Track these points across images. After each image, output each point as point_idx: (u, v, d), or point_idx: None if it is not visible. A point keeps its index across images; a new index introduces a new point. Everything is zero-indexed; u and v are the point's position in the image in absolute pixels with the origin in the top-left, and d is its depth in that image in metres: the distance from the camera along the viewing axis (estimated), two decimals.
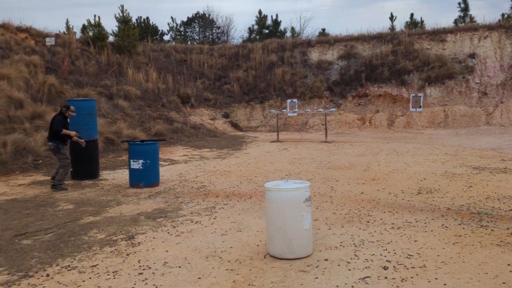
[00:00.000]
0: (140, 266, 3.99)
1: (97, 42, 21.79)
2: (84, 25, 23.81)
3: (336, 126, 20.87)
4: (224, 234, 4.91)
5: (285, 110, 17.08)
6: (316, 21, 60.82)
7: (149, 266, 3.99)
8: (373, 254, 4.19)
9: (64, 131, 7.75)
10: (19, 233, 4.98)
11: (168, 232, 5.01)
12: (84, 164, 8.66)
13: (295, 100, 22.94)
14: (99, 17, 22.45)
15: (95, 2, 45.96)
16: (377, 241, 4.60)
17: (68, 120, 8.04)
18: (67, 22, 36.39)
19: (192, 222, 5.46)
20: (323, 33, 32.65)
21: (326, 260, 4.06)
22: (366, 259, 4.08)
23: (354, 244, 4.50)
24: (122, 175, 9.19)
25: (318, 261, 4.03)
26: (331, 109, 16.88)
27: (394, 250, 4.31)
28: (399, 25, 37.94)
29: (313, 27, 72.05)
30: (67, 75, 17.35)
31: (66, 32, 22.09)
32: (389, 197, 6.68)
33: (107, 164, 10.61)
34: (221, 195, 7.12)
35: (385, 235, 4.78)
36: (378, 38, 25.78)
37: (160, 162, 8.54)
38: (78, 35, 23.23)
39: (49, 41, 17.71)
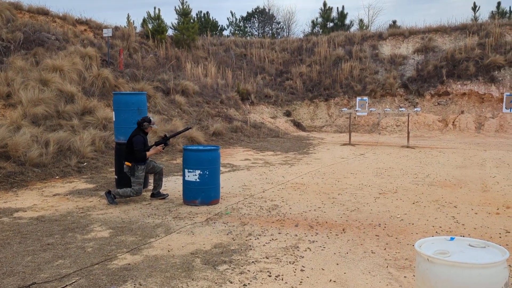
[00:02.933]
0: None
1: (156, 35, 20.83)
2: (144, 19, 23.01)
3: (413, 127, 18.35)
4: None
5: (359, 109, 14.97)
6: (385, 14, 56.99)
7: None
8: None
9: (149, 153, 6.41)
10: (23, 285, 3.46)
11: None
12: None
13: (365, 98, 20.69)
14: (159, 10, 21.51)
15: (158, 2, 45.81)
16: None
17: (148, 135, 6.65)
18: (128, 16, 36.22)
19: (270, 275, 3.68)
20: (394, 25, 29.83)
21: None
22: None
23: None
24: (175, 185, 7.65)
25: None
26: (415, 109, 14.53)
27: None
28: (482, 16, 33.99)
29: (382, 20, 67.92)
30: (124, 68, 16.31)
31: (126, 26, 21.28)
32: None
33: None
34: (301, 223, 5.31)
35: None
36: (461, 29, 22.83)
37: None
38: (138, 29, 22.45)
39: (106, 33, 16.74)
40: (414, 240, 4.55)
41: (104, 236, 4.76)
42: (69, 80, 12.98)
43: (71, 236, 4.75)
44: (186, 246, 4.42)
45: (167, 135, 6.79)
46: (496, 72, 19.84)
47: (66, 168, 8.44)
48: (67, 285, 3.45)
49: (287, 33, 39.28)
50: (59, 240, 4.61)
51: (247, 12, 39.42)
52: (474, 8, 28.47)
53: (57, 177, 8.00)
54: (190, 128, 8.74)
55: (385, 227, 5.14)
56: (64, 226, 5.10)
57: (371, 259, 4.09)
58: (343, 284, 3.52)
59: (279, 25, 41.29)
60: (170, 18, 54.79)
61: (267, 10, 40.64)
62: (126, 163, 6.31)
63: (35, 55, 13.82)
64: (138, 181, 6.30)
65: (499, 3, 28.56)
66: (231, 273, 3.72)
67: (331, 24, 31.17)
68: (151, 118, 6.49)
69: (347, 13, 31.23)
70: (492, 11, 28.43)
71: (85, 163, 8.95)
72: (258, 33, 39.61)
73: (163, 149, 6.66)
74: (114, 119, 7.46)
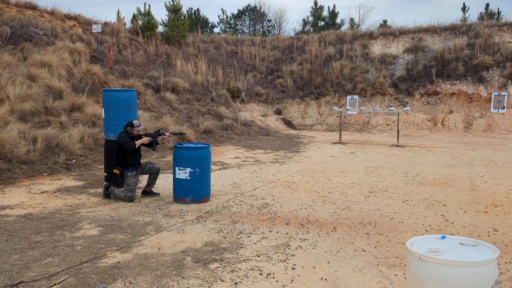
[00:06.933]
0: None
1: (146, 32, 20.67)
2: (134, 15, 22.83)
3: (402, 127, 18.47)
4: None
5: (349, 107, 15.02)
6: (376, 13, 57.30)
7: None
8: None
9: (138, 142, 6.26)
10: (10, 284, 3.40)
11: None
12: None
13: (355, 97, 20.77)
14: (149, 6, 21.38)
15: None
16: None
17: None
18: (118, 12, 35.86)
19: (261, 274, 3.67)
20: (384, 25, 29.95)
21: None
22: None
23: None
24: (165, 183, 7.60)
25: None
26: (405, 108, 14.61)
27: None
28: (471, 17, 34.35)
29: (373, 19, 68.19)
30: (113, 65, 16.16)
31: (116, 22, 21.06)
32: None
33: None
34: (292, 221, 5.31)
35: None
36: (451, 30, 23.02)
37: None
38: (128, 25, 22.26)
39: (96, 28, 16.58)
40: (404, 239, 4.58)
41: (93, 234, 4.71)
42: (58, 76, 12.83)
43: (60, 234, 4.69)
44: (176, 244, 4.39)
45: (160, 131, 6.73)
46: (485, 73, 20.04)
47: (54, 165, 8.34)
48: (55, 284, 3.40)
49: (278, 31, 39.30)
50: (47, 238, 4.55)
51: (238, 10, 39.35)
52: (464, 8, 28.70)
53: (45, 174, 7.90)
54: (184, 134, 8.72)
55: (375, 225, 5.16)
56: (52, 224, 5.03)
57: (361, 257, 4.10)
58: (334, 282, 3.53)
59: (270, 23, 41.27)
60: (160, 15, 54.47)
61: (258, 8, 40.59)
62: (114, 170, 6.27)
63: (22, 50, 13.65)
64: (129, 188, 6.23)
65: (487, 4, 28.80)
66: (222, 272, 3.71)
67: (322, 23, 31.22)
68: (133, 121, 6.41)
69: (338, 12, 31.38)
70: (481, 12, 28.68)
71: (73, 160, 8.85)
72: (249, 30, 39.56)
73: (152, 143, 6.52)
74: (103, 116, 7.37)
